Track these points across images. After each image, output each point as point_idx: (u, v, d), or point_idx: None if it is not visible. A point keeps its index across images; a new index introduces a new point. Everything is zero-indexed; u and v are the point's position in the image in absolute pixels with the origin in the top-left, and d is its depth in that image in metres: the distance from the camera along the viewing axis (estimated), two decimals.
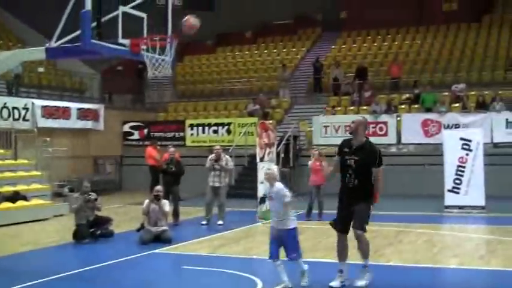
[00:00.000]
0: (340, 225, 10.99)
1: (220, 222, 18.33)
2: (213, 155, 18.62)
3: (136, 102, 37.01)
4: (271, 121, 26.61)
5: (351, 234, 10.66)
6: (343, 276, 10.67)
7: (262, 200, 18.99)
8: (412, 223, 18.05)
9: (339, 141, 29.15)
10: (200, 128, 30.36)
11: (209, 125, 30.32)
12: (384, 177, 26.16)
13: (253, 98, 31.77)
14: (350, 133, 11.21)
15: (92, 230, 15.95)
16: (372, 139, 27.20)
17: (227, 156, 19.04)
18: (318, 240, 15.73)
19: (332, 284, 10.61)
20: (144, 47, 12.61)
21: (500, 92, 27.43)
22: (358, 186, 10.75)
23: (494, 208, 20.08)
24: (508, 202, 21.46)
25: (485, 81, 31.13)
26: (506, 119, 25.43)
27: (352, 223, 10.81)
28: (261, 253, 14.14)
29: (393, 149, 27.23)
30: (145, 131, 31.73)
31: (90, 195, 16.12)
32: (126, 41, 12.57)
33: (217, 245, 15.19)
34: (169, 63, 13.15)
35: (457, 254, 13.39)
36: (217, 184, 18.40)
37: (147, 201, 15.76)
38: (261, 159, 19.41)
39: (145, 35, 12.82)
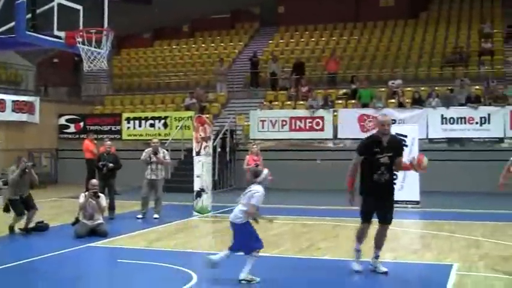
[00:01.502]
0: (368, 218, 11.36)
1: (156, 216, 18.20)
2: (151, 148, 18.49)
3: (73, 95, 36.55)
4: (208, 115, 26.59)
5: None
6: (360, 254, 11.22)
7: (199, 194, 19.05)
8: (349, 217, 18.13)
9: (275, 135, 29.56)
10: (137, 122, 30.13)
11: (146, 119, 30.11)
12: (321, 172, 26.50)
13: (190, 92, 31.66)
14: (383, 134, 10.92)
15: (26, 227, 15.72)
16: (309, 134, 27.77)
17: (164, 150, 18.94)
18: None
19: (355, 268, 11.10)
20: (80, 39, 12.45)
21: (436, 88, 27.77)
22: (389, 180, 11.03)
23: (429, 203, 20.31)
24: (442, 197, 21.77)
25: (422, 78, 31.54)
26: (442, 115, 25.76)
27: (382, 217, 11.27)
28: (197, 247, 14.15)
29: (330, 144, 27.38)
30: (82, 124, 31.33)
31: (27, 162, 15.85)
32: (62, 33, 12.39)
33: (153, 239, 15.07)
34: (105, 56, 13.02)
35: (393, 248, 13.48)
36: (154, 177, 18.30)
37: (83, 194, 15.56)
38: (197, 153, 19.33)
39: (81, 27, 12.65)
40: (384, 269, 11.08)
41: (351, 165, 11.29)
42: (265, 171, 10.98)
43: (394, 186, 11.38)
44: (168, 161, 19.04)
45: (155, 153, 18.29)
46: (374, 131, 11.89)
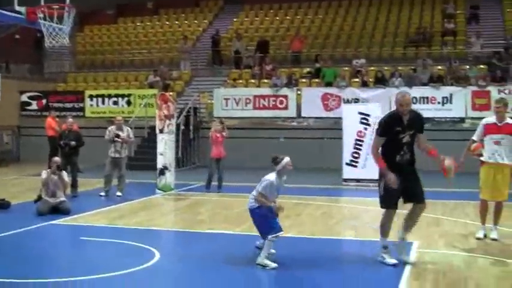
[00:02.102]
0: (393, 202, 10.08)
1: (119, 193, 18.16)
2: (114, 126, 18.42)
3: (35, 72, 36.13)
4: (171, 93, 26.49)
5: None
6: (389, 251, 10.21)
7: (162, 171, 19.03)
8: (311, 196, 18.29)
9: (239, 113, 29.49)
10: (100, 99, 29.94)
11: (109, 96, 29.93)
12: (284, 150, 26.45)
13: (153, 69, 31.46)
14: (404, 113, 9.87)
15: None
16: (272, 112, 27.79)
17: (128, 128, 18.85)
18: (216, 212, 15.79)
19: (390, 262, 10.10)
20: (41, 15, 12.33)
21: (399, 67, 27.89)
22: (411, 158, 10.13)
23: None
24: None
25: (385, 57, 31.63)
26: None
27: (412, 195, 10.05)
28: (160, 224, 14.15)
29: (293, 123, 27.46)
30: (44, 101, 31.04)
31: None
32: (22, 9, 12.25)
33: (115, 217, 15.04)
34: (67, 32, 12.94)
35: (354, 226, 13.63)
36: (117, 155, 18.26)
37: (44, 171, 15.47)
38: (161, 131, 19.29)
39: (42, 2, 12.53)
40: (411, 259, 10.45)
41: (373, 149, 10.31)
42: (286, 159, 10.62)
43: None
44: (132, 140, 18.96)
45: (118, 130, 18.21)
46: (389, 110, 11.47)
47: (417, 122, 10.06)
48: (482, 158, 12.13)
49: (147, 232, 13.17)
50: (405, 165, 10.01)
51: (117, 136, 18.18)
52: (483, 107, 23.83)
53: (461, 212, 15.43)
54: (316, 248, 11.86)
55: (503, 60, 27.45)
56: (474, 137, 12.28)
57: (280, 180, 10.54)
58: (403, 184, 9.78)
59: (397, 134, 9.88)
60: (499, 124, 11.98)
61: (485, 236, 12.24)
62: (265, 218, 10.14)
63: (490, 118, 12.28)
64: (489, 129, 12.05)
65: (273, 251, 10.21)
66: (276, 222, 10.15)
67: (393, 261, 10.04)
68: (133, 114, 27.48)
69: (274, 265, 9.87)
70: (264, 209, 10.18)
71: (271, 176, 10.34)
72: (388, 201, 10.10)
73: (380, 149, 10.06)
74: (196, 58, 34.60)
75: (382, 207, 10.25)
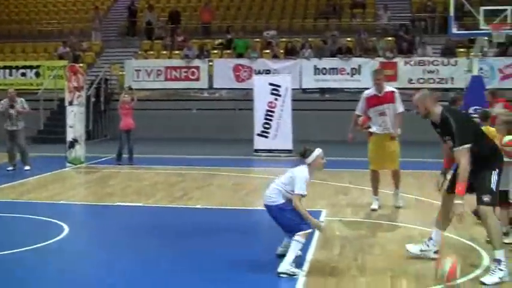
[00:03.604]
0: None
1: (27, 167, 17.86)
2: (7, 99, 18.04)
3: None
4: (82, 64, 26.13)
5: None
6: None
7: (72, 144, 18.83)
8: (222, 167, 18.38)
9: (151, 85, 29.36)
10: (7, 71, 29.22)
11: (17, 68, 29.25)
12: (196, 121, 26.51)
13: (63, 40, 30.94)
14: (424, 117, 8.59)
15: None
16: (184, 84, 27.67)
17: (22, 99, 18.36)
18: (127, 185, 15.75)
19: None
20: None
21: (309, 39, 28.15)
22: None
23: None
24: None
25: (296, 29, 31.82)
26: (315, 66, 26.23)
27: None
28: (69, 198, 14.02)
29: (205, 94, 27.46)
30: None
31: None
32: None
33: (24, 191, 14.86)
34: None
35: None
36: (14, 128, 17.85)
37: None
38: (70, 103, 19.05)
39: None
40: None
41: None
42: (318, 150, 8.77)
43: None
44: (28, 110, 18.53)
45: (12, 103, 17.85)
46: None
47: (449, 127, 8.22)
48: (370, 130, 12.38)
49: (56, 206, 13.01)
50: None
51: (12, 107, 17.80)
52: (390, 78, 24.27)
53: (368, 180, 15.72)
54: (226, 219, 11.95)
55: (410, 33, 28.04)
56: (357, 112, 12.47)
57: (310, 177, 8.63)
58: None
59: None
60: (379, 95, 12.16)
61: (379, 206, 12.47)
62: (291, 214, 8.38)
63: (370, 90, 12.40)
64: (371, 101, 12.21)
65: (299, 252, 8.47)
66: (301, 217, 8.39)
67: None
68: (42, 87, 27.01)
69: (303, 272, 8.28)
70: (288, 205, 8.50)
71: (304, 171, 8.56)
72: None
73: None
74: (107, 29, 34.15)
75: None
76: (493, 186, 8.09)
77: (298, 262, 8.38)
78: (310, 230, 8.44)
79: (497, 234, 8.08)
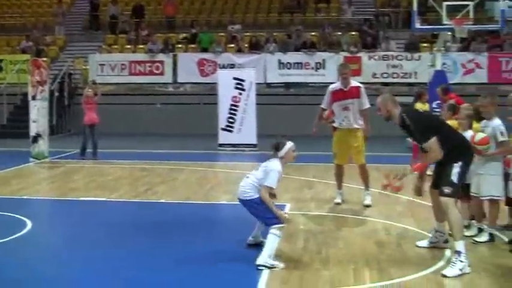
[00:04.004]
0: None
1: None
2: None
3: None
4: (45, 58, 25.91)
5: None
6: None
7: (35, 139, 18.69)
8: (187, 161, 18.36)
9: (115, 79, 29.11)
10: None
11: None
12: (161, 116, 26.42)
13: (26, 34, 30.64)
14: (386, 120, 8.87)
15: None
16: (148, 78, 27.58)
17: None
18: (91, 179, 15.68)
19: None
20: None
21: (274, 33, 28.15)
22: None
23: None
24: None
25: (260, 23, 31.81)
26: (279, 60, 26.27)
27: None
28: (32, 193, 13.92)
29: (170, 88, 27.40)
30: None
31: None
32: None
33: None
34: None
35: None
36: None
37: None
38: (33, 98, 18.91)
39: None
40: None
41: None
42: (289, 144, 8.82)
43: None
44: None
45: None
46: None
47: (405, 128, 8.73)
48: (334, 125, 12.43)
49: (19, 201, 12.91)
50: None
51: None
52: (354, 72, 24.35)
53: (332, 174, 15.79)
54: (191, 213, 11.96)
55: (374, 28, 28.20)
56: (322, 105, 12.50)
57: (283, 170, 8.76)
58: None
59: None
60: (344, 89, 12.17)
61: (342, 200, 12.56)
62: (266, 209, 8.51)
63: (336, 84, 12.42)
64: (336, 95, 12.22)
65: (263, 239, 8.84)
66: (279, 213, 8.58)
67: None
68: (5, 81, 26.77)
69: (282, 265, 8.33)
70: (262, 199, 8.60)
71: (277, 165, 8.63)
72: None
73: None
74: (70, 23, 33.87)
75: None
76: (454, 178, 8.25)
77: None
78: (284, 224, 8.57)
79: (458, 225, 8.21)
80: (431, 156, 8.37)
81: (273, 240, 8.38)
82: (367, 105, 12.15)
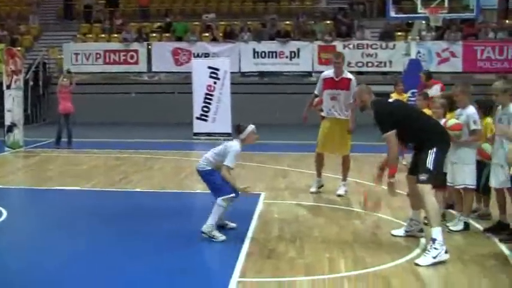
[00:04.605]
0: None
1: None
2: None
3: None
4: (19, 48, 25.78)
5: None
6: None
7: (10, 128, 18.61)
8: (162, 150, 18.37)
9: (90, 68, 28.92)
10: None
11: None
12: (135, 105, 26.30)
13: (0, 23, 30.41)
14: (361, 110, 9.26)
15: None
16: (123, 67, 27.45)
17: None
18: (66, 169, 15.65)
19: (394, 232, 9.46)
20: None
21: (249, 22, 28.16)
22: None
23: None
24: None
25: (235, 12, 31.80)
26: (254, 49, 26.30)
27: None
28: (7, 182, 13.88)
29: (144, 77, 27.37)
30: None
31: None
32: None
33: None
34: None
35: None
36: None
37: None
38: (8, 87, 18.81)
39: None
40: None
41: None
42: (250, 127, 9.37)
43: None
44: None
45: None
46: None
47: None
48: (322, 113, 12.46)
49: None
50: None
51: None
52: (328, 62, 24.50)
53: (306, 163, 15.86)
54: (166, 202, 12.00)
55: (348, 17, 28.30)
56: (316, 91, 12.51)
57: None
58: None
59: None
60: (336, 79, 12.16)
61: (320, 186, 12.61)
62: (215, 181, 9.15)
63: (329, 72, 12.39)
64: (327, 83, 12.22)
65: (233, 224, 9.53)
66: (228, 185, 9.09)
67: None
68: None
69: (222, 238, 8.92)
70: (215, 173, 9.19)
71: (237, 146, 9.19)
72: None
73: None
74: (45, 12, 33.66)
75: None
76: (429, 165, 8.36)
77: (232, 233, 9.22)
78: (232, 195, 9.05)
79: (434, 212, 8.30)
80: (390, 151, 8.59)
81: (217, 210, 8.99)
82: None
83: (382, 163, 9.07)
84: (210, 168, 9.19)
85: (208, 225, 8.93)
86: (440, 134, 8.73)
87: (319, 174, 12.70)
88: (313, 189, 12.55)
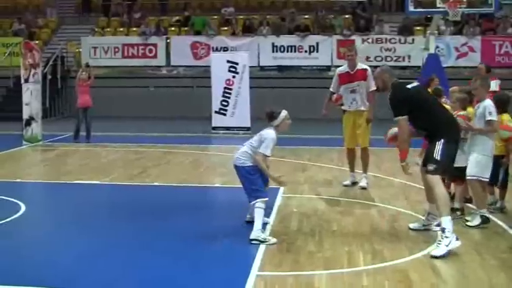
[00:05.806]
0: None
1: None
2: None
3: None
4: (37, 41, 25.85)
5: None
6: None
7: (28, 122, 18.65)
8: (180, 144, 18.36)
9: (108, 62, 28.94)
10: None
11: None
12: (154, 99, 26.36)
13: (18, 17, 30.50)
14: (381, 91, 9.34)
15: None
16: (142, 61, 27.47)
17: None
18: (85, 163, 15.66)
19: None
20: None
21: (267, 16, 28.08)
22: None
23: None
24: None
25: (254, 6, 31.75)
26: (273, 43, 26.24)
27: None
28: (26, 176, 13.92)
29: (163, 71, 27.37)
30: None
31: None
32: None
33: None
34: None
35: (222, 173, 13.78)
36: None
37: None
38: (26, 81, 18.85)
39: None
40: None
41: None
42: (284, 112, 9.17)
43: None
44: None
45: None
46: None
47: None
48: (343, 107, 12.42)
49: (12, 185, 12.88)
50: None
51: None
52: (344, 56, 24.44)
53: (326, 157, 15.86)
54: (184, 196, 11.97)
55: (367, 11, 28.18)
56: (331, 89, 12.49)
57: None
58: None
59: None
60: (351, 72, 12.20)
61: (353, 183, 12.53)
62: (254, 180, 8.85)
63: (343, 67, 12.43)
64: (343, 78, 12.25)
65: (266, 219, 9.18)
66: (262, 185, 8.93)
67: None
68: None
69: (274, 240, 8.54)
70: (255, 170, 8.90)
71: (271, 133, 8.96)
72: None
73: None
74: (63, 5, 33.72)
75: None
76: (437, 155, 8.40)
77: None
78: (266, 198, 8.79)
79: (443, 201, 8.29)
80: (399, 136, 8.78)
81: (259, 214, 8.62)
82: (373, 88, 11.98)
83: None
84: (251, 164, 8.88)
85: (256, 230, 8.51)
86: (450, 124, 8.71)
87: (352, 169, 12.68)
88: (347, 182, 12.56)
